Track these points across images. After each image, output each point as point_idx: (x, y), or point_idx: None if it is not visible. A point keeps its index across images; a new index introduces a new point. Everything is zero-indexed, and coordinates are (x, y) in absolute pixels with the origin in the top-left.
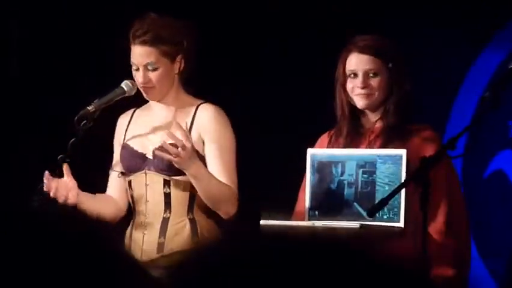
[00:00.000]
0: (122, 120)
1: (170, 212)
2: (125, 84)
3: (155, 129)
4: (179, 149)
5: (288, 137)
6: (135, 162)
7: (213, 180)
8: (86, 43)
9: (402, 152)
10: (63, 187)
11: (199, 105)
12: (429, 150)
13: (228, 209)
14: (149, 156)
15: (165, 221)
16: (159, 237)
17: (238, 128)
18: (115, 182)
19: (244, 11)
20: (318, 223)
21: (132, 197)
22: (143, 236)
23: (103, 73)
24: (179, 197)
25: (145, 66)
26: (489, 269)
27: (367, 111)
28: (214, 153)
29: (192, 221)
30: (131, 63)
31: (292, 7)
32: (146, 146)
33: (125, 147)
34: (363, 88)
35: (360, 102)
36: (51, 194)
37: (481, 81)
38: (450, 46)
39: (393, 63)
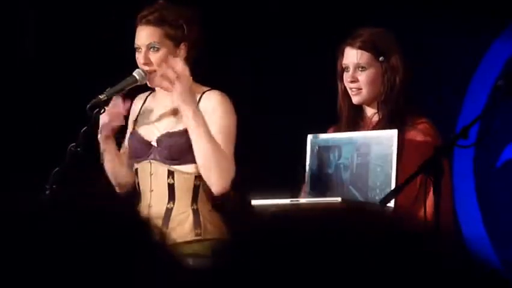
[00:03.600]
0: (138, 102)
1: (173, 203)
2: (137, 73)
3: (161, 117)
4: (176, 79)
5: (292, 124)
6: (141, 148)
7: (210, 136)
8: (103, 24)
9: (393, 132)
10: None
11: (204, 92)
12: (423, 143)
13: (220, 178)
14: (154, 143)
15: (168, 211)
16: (161, 227)
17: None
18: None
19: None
20: (303, 200)
21: (138, 184)
22: None
23: (119, 54)
24: (183, 188)
25: (148, 47)
26: (500, 258)
27: (364, 105)
28: (215, 133)
29: (195, 212)
30: (135, 46)
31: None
32: (152, 134)
33: (133, 133)
34: (351, 82)
35: (353, 99)
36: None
37: (494, 70)
38: (463, 35)
39: (385, 56)
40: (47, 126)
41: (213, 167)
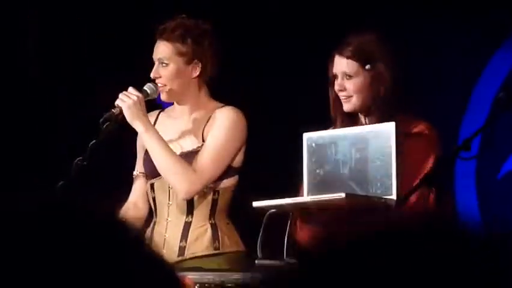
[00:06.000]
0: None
1: (192, 216)
2: (148, 87)
3: (179, 135)
4: (126, 97)
5: (288, 124)
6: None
7: (164, 147)
8: (106, 43)
9: (391, 125)
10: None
11: (217, 109)
12: (421, 149)
13: (179, 186)
14: None
15: (187, 225)
16: (180, 241)
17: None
18: (139, 186)
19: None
20: (307, 198)
21: (154, 199)
22: (164, 239)
23: (122, 72)
24: (201, 201)
25: (159, 61)
26: None
27: (356, 112)
28: (206, 143)
29: (213, 226)
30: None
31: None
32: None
33: None
34: (340, 91)
35: (344, 106)
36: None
37: (496, 82)
38: (464, 46)
39: (371, 64)
40: (51, 139)
41: (170, 175)
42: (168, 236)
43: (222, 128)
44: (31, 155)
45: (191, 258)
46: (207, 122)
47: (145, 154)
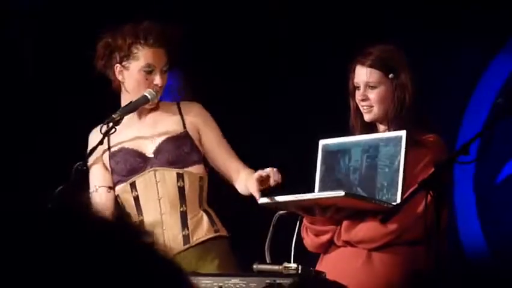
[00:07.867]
0: (98, 135)
1: (186, 205)
2: (148, 93)
3: (150, 130)
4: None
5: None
6: (136, 162)
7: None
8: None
9: (402, 133)
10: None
11: (179, 103)
12: (429, 160)
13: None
14: (151, 155)
15: (183, 214)
16: (182, 230)
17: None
18: (100, 200)
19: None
20: (307, 195)
21: (137, 198)
22: (163, 232)
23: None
24: (192, 190)
25: (162, 69)
26: (502, 277)
27: (377, 122)
28: (217, 141)
29: (206, 212)
30: (146, 65)
31: (303, 11)
32: (144, 147)
33: (120, 150)
34: (362, 100)
35: (365, 116)
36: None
37: (494, 87)
38: (463, 51)
39: (394, 73)
40: (51, 138)
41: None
42: (167, 229)
43: (212, 120)
44: (30, 160)
45: (196, 245)
46: (181, 114)
47: (117, 154)
